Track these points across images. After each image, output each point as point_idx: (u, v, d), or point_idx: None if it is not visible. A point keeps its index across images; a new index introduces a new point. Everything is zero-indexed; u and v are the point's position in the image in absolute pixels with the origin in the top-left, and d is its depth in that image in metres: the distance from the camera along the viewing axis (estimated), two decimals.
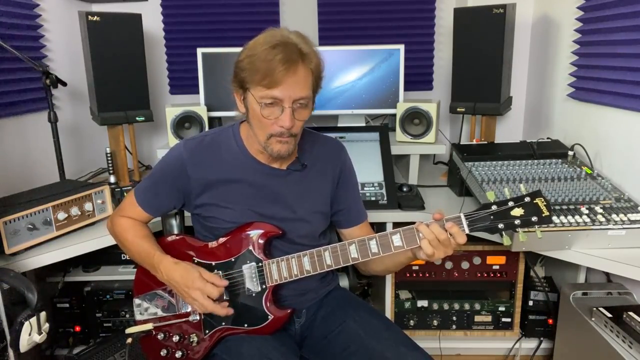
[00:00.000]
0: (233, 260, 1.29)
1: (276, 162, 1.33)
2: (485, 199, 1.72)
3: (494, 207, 1.16)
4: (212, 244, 1.32)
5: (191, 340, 1.31)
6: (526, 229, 1.15)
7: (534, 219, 1.14)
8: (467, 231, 1.16)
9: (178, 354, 1.31)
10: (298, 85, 1.16)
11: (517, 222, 1.15)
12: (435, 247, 1.15)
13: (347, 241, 1.23)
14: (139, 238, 1.34)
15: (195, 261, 1.31)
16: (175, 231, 1.60)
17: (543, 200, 1.15)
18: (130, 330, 1.35)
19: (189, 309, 1.31)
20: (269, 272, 1.27)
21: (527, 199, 1.15)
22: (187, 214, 1.52)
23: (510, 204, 1.15)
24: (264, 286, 1.28)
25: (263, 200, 1.32)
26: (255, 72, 1.15)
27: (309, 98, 1.20)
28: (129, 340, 1.33)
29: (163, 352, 1.32)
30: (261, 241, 1.28)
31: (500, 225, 1.15)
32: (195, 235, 1.41)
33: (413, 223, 1.23)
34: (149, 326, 1.33)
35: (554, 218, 1.55)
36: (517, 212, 1.15)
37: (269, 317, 1.27)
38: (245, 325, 1.28)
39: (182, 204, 1.37)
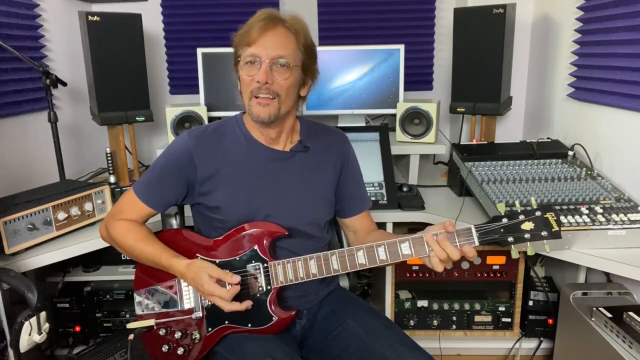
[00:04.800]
0: (237, 259, 1.28)
1: (279, 144, 1.34)
2: (486, 201, 1.73)
3: (504, 220, 1.16)
4: (217, 241, 1.31)
5: (193, 337, 1.30)
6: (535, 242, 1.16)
7: (544, 233, 1.15)
8: (476, 243, 1.16)
9: (180, 351, 1.31)
10: (276, 43, 1.21)
11: (526, 236, 1.15)
12: (445, 262, 1.17)
13: (355, 247, 1.23)
14: (140, 241, 1.32)
15: (199, 258, 1.30)
16: None
17: (553, 215, 1.15)
18: (131, 325, 1.34)
19: (192, 305, 1.31)
20: (274, 273, 1.26)
21: (537, 213, 1.15)
22: (187, 213, 1.52)
23: (521, 217, 1.16)
24: (268, 287, 1.27)
25: (268, 184, 1.32)
26: (240, 36, 1.24)
27: (290, 59, 1.22)
28: (131, 336, 1.32)
29: (164, 348, 1.31)
30: (266, 242, 1.27)
31: (510, 239, 1.16)
32: (196, 231, 1.40)
33: (414, 223, 1.24)
34: (150, 322, 1.33)
35: None
36: (527, 226, 1.15)
37: (274, 318, 1.27)
38: (249, 325, 1.28)
39: (185, 196, 1.35)
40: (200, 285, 1.21)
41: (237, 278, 1.21)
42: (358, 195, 1.48)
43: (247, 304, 1.22)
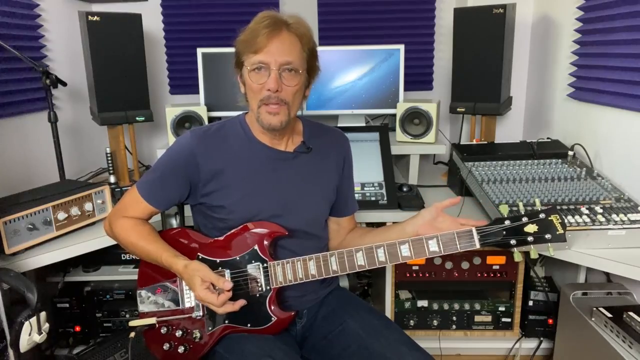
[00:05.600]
0: (238, 259, 1.29)
1: (281, 144, 1.34)
2: (486, 201, 1.73)
3: (507, 223, 1.14)
4: (217, 240, 1.32)
5: (194, 336, 1.31)
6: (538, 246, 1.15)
7: (548, 236, 1.13)
8: (478, 246, 1.16)
9: (181, 349, 1.31)
10: (283, 49, 1.20)
11: (529, 238, 1.13)
12: None
13: (354, 248, 1.24)
14: (143, 240, 1.32)
15: (200, 257, 1.30)
16: None
17: (558, 217, 1.13)
18: (133, 323, 1.34)
19: (193, 304, 1.31)
20: (273, 274, 1.27)
21: (541, 216, 1.13)
22: (187, 213, 1.52)
23: (524, 219, 1.14)
24: (268, 287, 1.27)
25: (271, 185, 1.32)
26: (245, 43, 1.22)
27: (297, 64, 1.22)
28: (132, 334, 1.32)
29: (166, 346, 1.32)
30: (266, 242, 1.28)
31: (513, 242, 1.14)
32: (196, 231, 1.40)
33: None
34: (152, 320, 1.33)
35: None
36: (531, 228, 1.13)
37: (273, 318, 1.27)
38: (249, 325, 1.28)
39: (188, 195, 1.35)
40: (192, 289, 1.22)
41: (229, 284, 1.20)
42: (351, 197, 1.50)
43: (241, 303, 1.22)
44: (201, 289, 1.18)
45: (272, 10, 1.25)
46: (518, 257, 1.16)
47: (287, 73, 1.21)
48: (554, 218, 1.13)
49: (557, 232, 1.13)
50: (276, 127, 1.25)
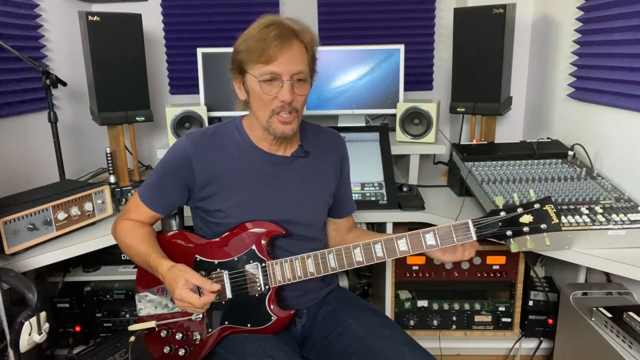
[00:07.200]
0: (236, 259, 1.29)
1: (280, 150, 1.33)
2: (486, 201, 1.72)
3: (502, 214, 1.14)
4: (215, 241, 1.32)
5: (194, 338, 1.31)
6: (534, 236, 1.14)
7: (543, 226, 1.12)
8: (474, 238, 1.16)
9: (181, 352, 1.31)
10: (294, 59, 1.19)
11: (525, 229, 1.13)
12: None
13: (352, 244, 1.23)
14: (137, 241, 1.33)
15: (198, 259, 1.31)
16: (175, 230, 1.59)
17: (553, 207, 1.13)
18: (133, 327, 1.34)
19: None
20: (272, 273, 1.27)
21: (536, 206, 1.13)
22: (187, 213, 1.52)
23: (520, 210, 1.14)
24: (267, 287, 1.27)
25: (269, 189, 1.32)
26: (252, 52, 1.19)
27: (306, 73, 1.22)
28: (132, 338, 1.32)
29: (166, 350, 1.32)
30: (264, 241, 1.28)
31: (509, 233, 1.14)
32: (196, 232, 1.41)
33: (414, 223, 1.24)
34: (152, 324, 1.33)
35: None
36: (526, 219, 1.13)
37: (272, 318, 1.27)
38: (248, 325, 1.28)
39: (188, 198, 1.35)
40: (173, 289, 1.19)
41: (216, 286, 1.20)
42: (348, 198, 1.50)
43: (216, 287, 1.20)
44: (183, 287, 1.17)
45: (273, 15, 1.22)
46: (515, 247, 1.16)
47: (298, 83, 1.21)
48: (548, 208, 1.13)
49: (553, 222, 1.12)
50: (288, 135, 1.25)
